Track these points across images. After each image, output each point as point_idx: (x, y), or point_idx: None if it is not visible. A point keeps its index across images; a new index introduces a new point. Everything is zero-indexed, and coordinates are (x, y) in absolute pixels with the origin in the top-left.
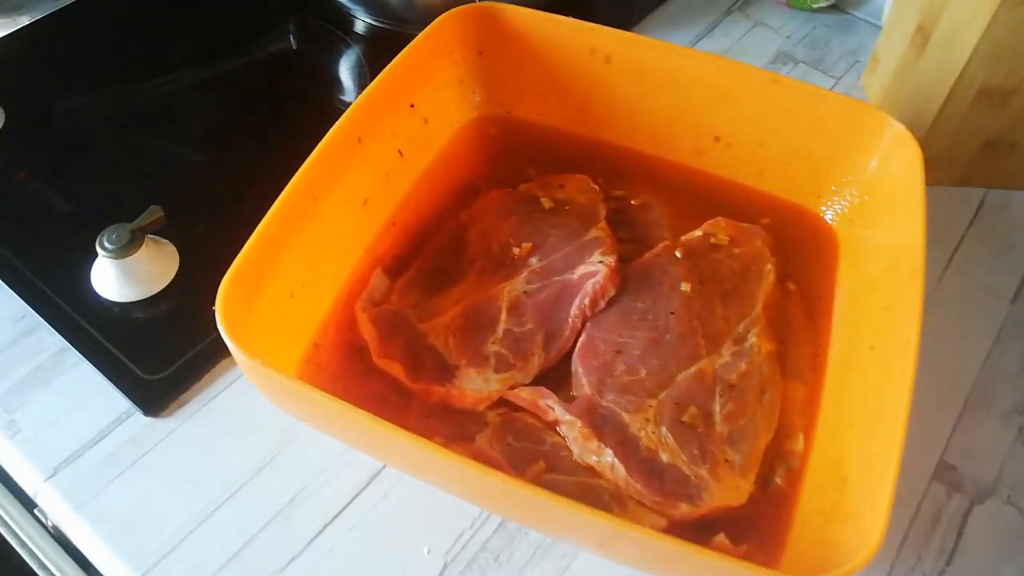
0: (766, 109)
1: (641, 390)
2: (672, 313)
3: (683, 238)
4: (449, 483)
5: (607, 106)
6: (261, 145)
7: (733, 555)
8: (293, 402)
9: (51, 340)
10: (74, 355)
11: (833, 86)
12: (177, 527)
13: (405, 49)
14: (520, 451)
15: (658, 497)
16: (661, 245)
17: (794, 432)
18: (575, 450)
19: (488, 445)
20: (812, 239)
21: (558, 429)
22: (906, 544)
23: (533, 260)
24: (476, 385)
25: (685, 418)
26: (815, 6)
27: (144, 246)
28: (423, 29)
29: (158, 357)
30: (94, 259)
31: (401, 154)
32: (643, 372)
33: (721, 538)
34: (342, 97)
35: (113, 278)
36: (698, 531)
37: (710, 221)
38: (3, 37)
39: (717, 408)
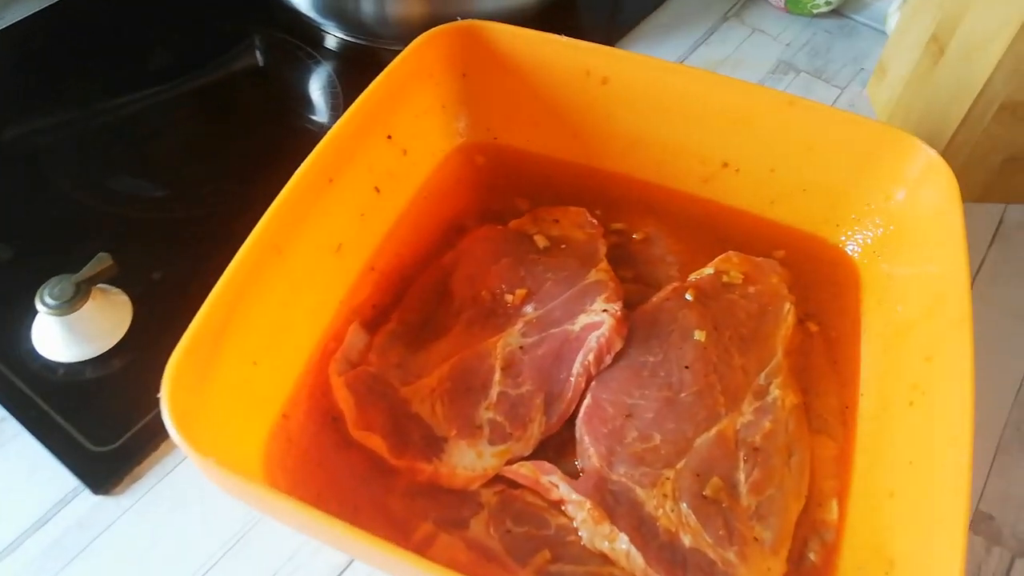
0: (780, 133)
1: (656, 460)
2: (686, 367)
3: (692, 277)
4: None
5: (604, 131)
6: (225, 175)
7: None
8: (256, 503)
9: None
10: (12, 425)
11: (837, 97)
12: None
13: (380, 75)
14: (521, 538)
15: None
16: (670, 287)
17: (826, 499)
18: (584, 535)
19: (485, 532)
20: (831, 273)
21: (564, 508)
22: None
23: (528, 309)
24: (468, 460)
25: (707, 491)
26: (815, 11)
27: (91, 299)
28: (398, 45)
29: (109, 425)
30: (35, 315)
31: (378, 191)
32: (657, 438)
33: None
34: (313, 118)
35: (56, 336)
36: None
37: (721, 256)
38: None
39: (742, 477)
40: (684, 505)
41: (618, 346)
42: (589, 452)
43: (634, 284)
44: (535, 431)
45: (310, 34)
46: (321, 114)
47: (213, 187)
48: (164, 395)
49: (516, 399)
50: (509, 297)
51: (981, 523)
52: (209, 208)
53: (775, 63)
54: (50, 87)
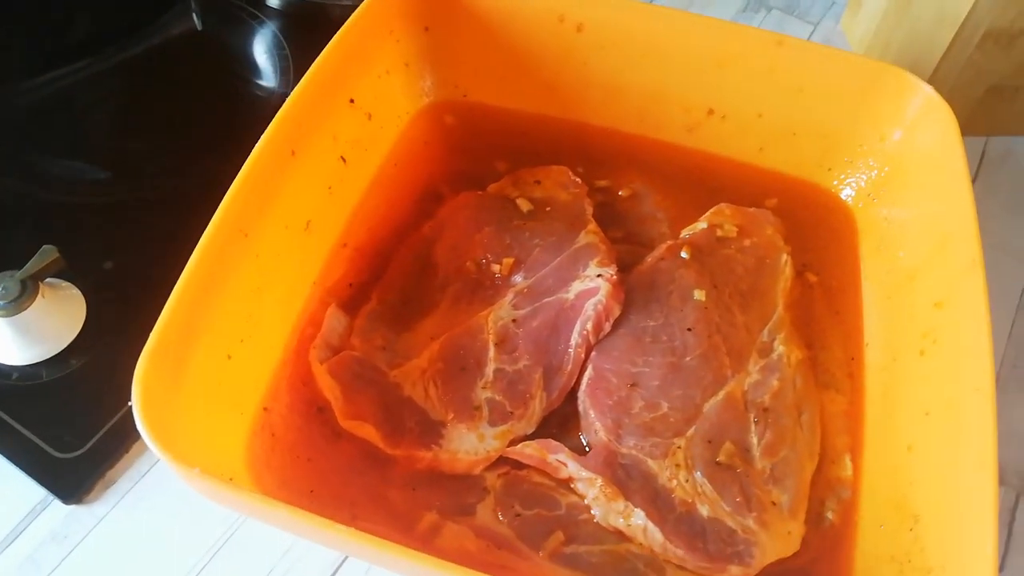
0: (768, 75)
1: (665, 428)
2: (689, 330)
3: (685, 233)
4: None
5: (581, 82)
6: (169, 151)
7: None
8: (248, 511)
9: None
10: None
11: (811, 33)
12: None
13: (336, 34)
14: (532, 521)
15: (704, 562)
16: (664, 246)
17: (839, 456)
18: (598, 512)
19: (493, 518)
20: (826, 220)
21: (573, 486)
22: None
23: (518, 278)
24: (469, 444)
25: (721, 458)
26: None
27: (40, 296)
28: (348, 0)
29: (73, 430)
30: None
31: (344, 160)
32: (665, 406)
33: None
34: (260, 83)
35: (6, 338)
36: None
37: (713, 209)
38: None
39: (754, 440)
40: (698, 474)
41: (616, 312)
42: (595, 426)
43: (625, 244)
44: (536, 408)
45: None
46: (268, 79)
47: (157, 165)
48: (136, 402)
49: (514, 375)
50: (496, 267)
51: None
52: (156, 188)
53: (746, 0)
54: None
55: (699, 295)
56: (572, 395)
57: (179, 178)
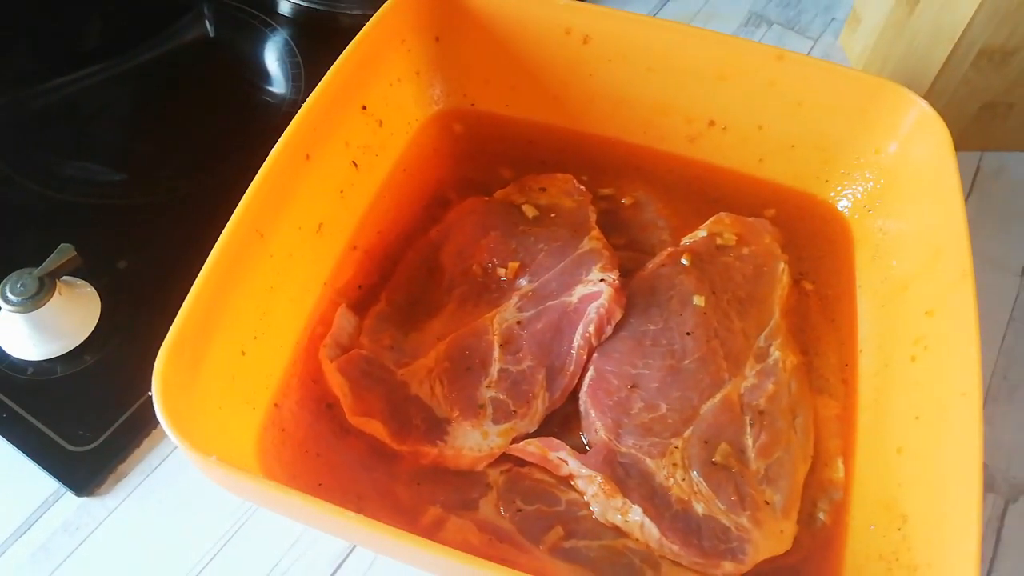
0: (767, 88)
1: (664, 429)
2: (688, 334)
3: (686, 241)
4: (449, 573)
5: (586, 93)
6: (182, 156)
7: None
8: (260, 499)
9: None
10: None
11: (811, 48)
12: None
13: (351, 43)
14: (532, 516)
15: (698, 558)
16: (665, 252)
17: (832, 458)
18: (596, 508)
19: (495, 513)
20: (823, 230)
21: (574, 483)
22: None
23: (523, 282)
24: (473, 441)
25: (716, 458)
26: None
27: (56, 293)
28: (356, 8)
29: (86, 424)
30: None
31: (356, 165)
32: (664, 408)
33: None
34: (272, 90)
35: (23, 334)
36: None
37: (713, 218)
38: None
39: (749, 441)
40: (695, 473)
41: (618, 316)
42: (596, 425)
43: (627, 251)
44: (539, 407)
45: (263, 0)
46: (280, 85)
47: (171, 169)
48: (156, 392)
49: (517, 375)
50: (502, 271)
51: None
52: (169, 191)
53: (747, 15)
54: None
55: (698, 301)
56: (574, 395)
57: (191, 182)
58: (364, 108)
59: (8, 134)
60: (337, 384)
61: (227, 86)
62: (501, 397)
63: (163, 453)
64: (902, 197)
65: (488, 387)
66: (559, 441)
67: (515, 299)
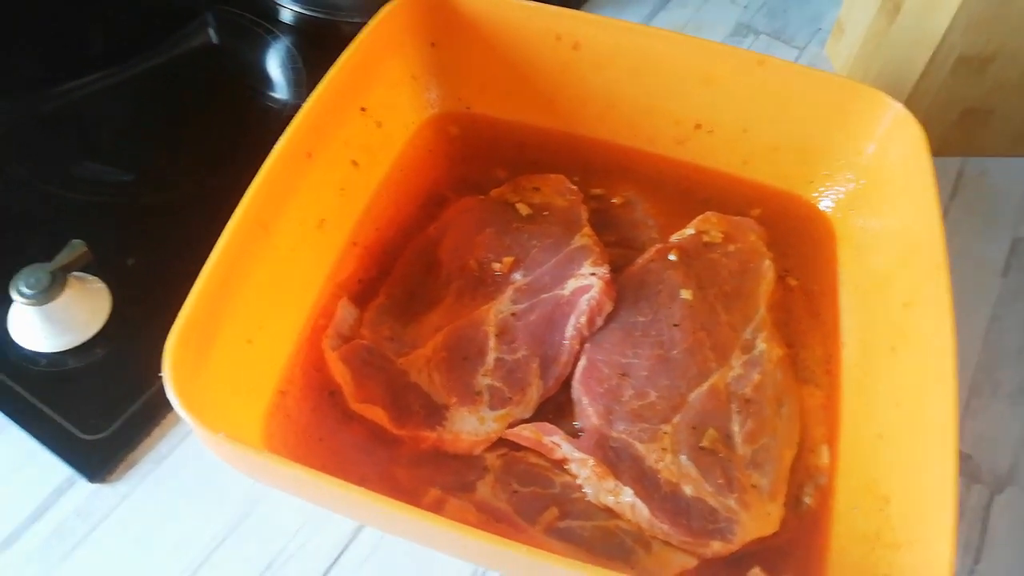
0: (751, 92)
1: (653, 415)
2: (676, 325)
3: (674, 238)
4: (450, 548)
5: (577, 97)
6: (188, 158)
7: None
8: (266, 475)
9: None
10: None
11: (797, 57)
12: None
13: (349, 47)
14: (528, 498)
15: (687, 537)
16: (654, 249)
17: (817, 445)
18: (589, 491)
19: (492, 494)
20: (807, 229)
21: (567, 467)
22: None
23: (517, 276)
24: (471, 426)
25: (704, 443)
26: None
27: (68, 287)
28: (357, 17)
29: (98, 414)
30: (10, 306)
31: (355, 164)
32: (653, 395)
33: (757, 572)
34: (274, 95)
35: (35, 327)
36: (731, 566)
37: (701, 217)
38: None
39: (736, 428)
40: (683, 457)
41: (608, 308)
42: (588, 412)
43: (618, 248)
44: (533, 394)
45: (265, 8)
46: (282, 91)
47: (177, 171)
48: (167, 373)
49: (512, 364)
50: (497, 266)
51: (960, 462)
52: (176, 191)
53: (734, 25)
54: None
55: (686, 294)
56: (567, 383)
57: (197, 182)
58: (363, 110)
59: (22, 137)
60: (339, 372)
61: (231, 91)
62: (497, 384)
63: (173, 442)
64: (881, 196)
65: (484, 375)
66: (553, 426)
67: (510, 292)
